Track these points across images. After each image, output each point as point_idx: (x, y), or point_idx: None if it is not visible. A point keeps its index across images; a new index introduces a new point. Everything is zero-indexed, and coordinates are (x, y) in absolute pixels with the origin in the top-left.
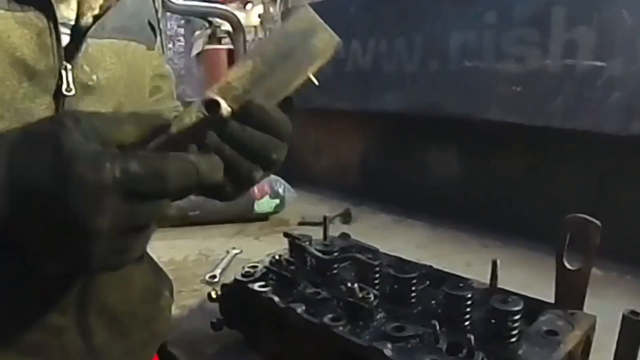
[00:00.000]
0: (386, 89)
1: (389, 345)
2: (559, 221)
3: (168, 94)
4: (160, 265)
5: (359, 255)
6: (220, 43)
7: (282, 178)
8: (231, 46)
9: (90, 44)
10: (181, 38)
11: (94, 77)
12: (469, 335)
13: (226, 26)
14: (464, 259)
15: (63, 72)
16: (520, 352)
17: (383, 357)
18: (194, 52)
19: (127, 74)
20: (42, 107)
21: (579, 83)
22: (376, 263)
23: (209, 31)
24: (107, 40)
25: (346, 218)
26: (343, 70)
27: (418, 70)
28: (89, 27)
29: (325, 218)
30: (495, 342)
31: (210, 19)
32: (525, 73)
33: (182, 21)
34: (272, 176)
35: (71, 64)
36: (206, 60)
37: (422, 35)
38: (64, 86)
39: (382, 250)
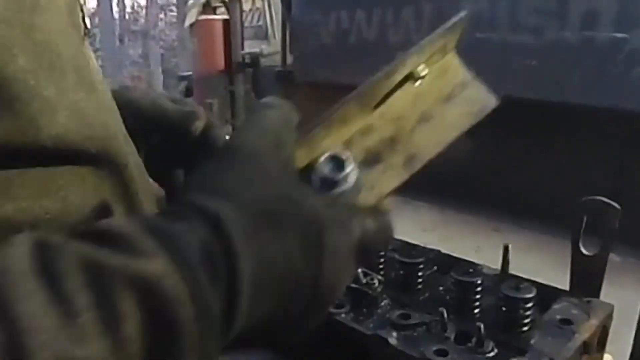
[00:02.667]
0: (391, 62)
1: (394, 334)
2: (576, 204)
3: None
4: None
5: None
6: (215, 13)
7: None
8: (227, 16)
9: None
10: (173, 8)
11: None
12: (478, 323)
13: None
14: (474, 243)
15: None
16: (532, 341)
17: (388, 346)
18: (187, 22)
19: None
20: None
21: (599, 56)
22: None
23: (203, 0)
24: None
25: None
26: (346, 42)
27: None
28: None
29: None
30: (506, 331)
31: None
32: (541, 45)
33: None
34: None
35: None
36: (200, 32)
37: (431, 4)
38: (87, 25)
39: None
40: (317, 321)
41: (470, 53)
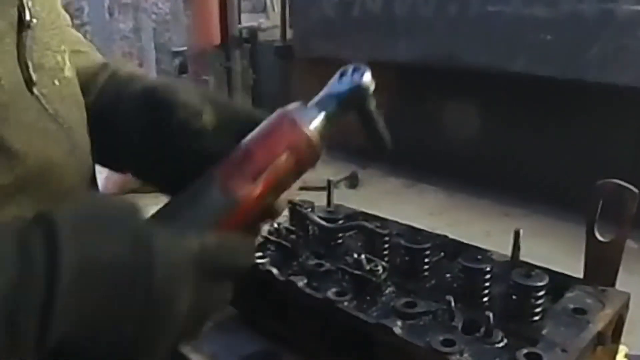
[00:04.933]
0: (398, 37)
1: (399, 323)
2: (591, 187)
3: None
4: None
5: (366, 224)
6: None
7: None
8: None
9: None
10: None
11: (39, 9)
12: (487, 312)
13: None
14: (483, 228)
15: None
16: (544, 332)
17: (392, 335)
18: None
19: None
20: (7, 42)
21: (618, 30)
22: (385, 232)
23: None
24: None
25: (352, 182)
26: (349, 15)
27: (434, 15)
28: None
29: (329, 182)
30: (517, 320)
31: None
32: (556, 19)
33: None
34: None
35: None
36: (195, 4)
37: None
38: (27, 16)
39: (391, 217)
40: (160, 342)
41: (481, 27)
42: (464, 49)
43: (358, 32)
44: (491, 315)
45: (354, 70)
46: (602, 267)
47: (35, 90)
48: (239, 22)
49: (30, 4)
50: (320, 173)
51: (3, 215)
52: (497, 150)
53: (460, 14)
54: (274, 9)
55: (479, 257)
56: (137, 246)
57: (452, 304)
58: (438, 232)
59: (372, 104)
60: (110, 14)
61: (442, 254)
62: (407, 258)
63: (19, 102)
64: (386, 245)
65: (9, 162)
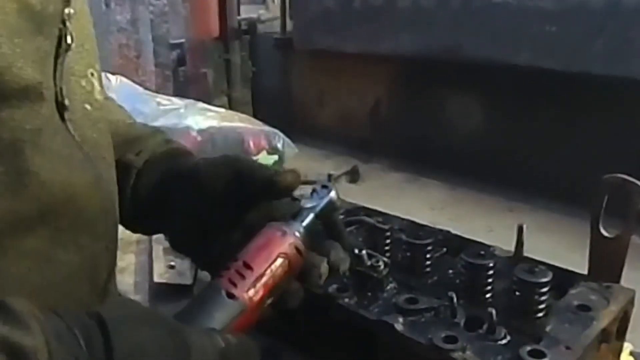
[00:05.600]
0: (400, 29)
1: (400, 319)
2: (596, 182)
3: None
4: None
5: (367, 219)
6: None
7: (281, 131)
8: None
9: None
10: None
11: (76, 34)
12: (490, 309)
13: None
14: (486, 224)
15: (66, 17)
16: (547, 328)
17: (393, 332)
18: None
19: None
20: (49, 62)
21: (624, 22)
22: (386, 227)
23: None
24: None
25: (353, 176)
26: (351, 7)
27: (437, 6)
28: None
29: (330, 176)
30: (520, 317)
31: None
32: (561, 10)
33: None
34: (270, 129)
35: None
36: None
37: None
38: (68, 39)
39: (393, 212)
40: None
41: (485, 19)
42: (467, 41)
43: (359, 24)
44: (494, 311)
45: (323, 187)
46: (607, 263)
47: (66, 116)
48: (238, 14)
49: (70, 27)
50: (320, 167)
51: (22, 247)
52: (500, 144)
53: (463, 5)
54: (273, 1)
55: (482, 252)
56: (176, 338)
57: (455, 300)
58: (440, 227)
59: (338, 215)
60: (107, 5)
61: (445, 249)
62: (408, 254)
63: (50, 128)
64: (387, 241)
65: (34, 191)
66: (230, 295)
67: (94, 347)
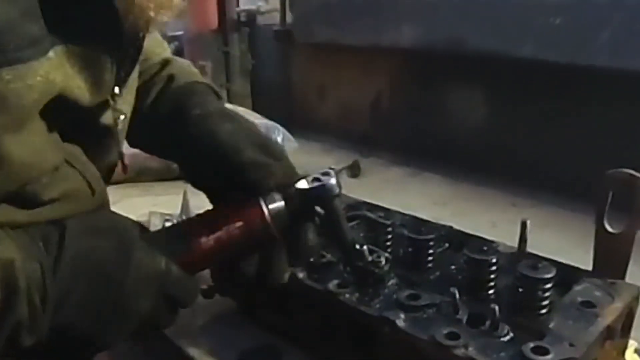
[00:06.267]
0: (402, 21)
1: (402, 316)
2: (601, 177)
3: None
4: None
5: (368, 214)
6: None
7: (281, 125)
8: None
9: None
10: None
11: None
12: (493, 305)
13: None
14: (489, 219)
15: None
16: (551, 325)
17: (395, 328)
18: None
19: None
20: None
21: (629, 14)
22: (388, 222)
23: None
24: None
25: (354, 171)
26: None
27: None
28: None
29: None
30: (523, 313)
31: None
32: (566, 2)
33: None
34: (269, 122)
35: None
36: None
37: None
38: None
39: (394, 207)
40: (116, 333)
41: (488, 11)
42: (470, 34)
43: (360, 16)
44: (497, 308)
45: (324, 175)
46: (611, 259)
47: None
48: (237, 5)
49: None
50: (320, 162)
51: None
52: (504, 138)
53: None
54: None
55: (485, 248)
56: (121, 250)
57: (457, 296)
58: (442, 222)
59: (338, 204)
60: None
61: (447, 245)
62: (410, 249)
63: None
64: (389, 236)
65: (38, 208)
66: (186, 235)
67: (49, 248)
